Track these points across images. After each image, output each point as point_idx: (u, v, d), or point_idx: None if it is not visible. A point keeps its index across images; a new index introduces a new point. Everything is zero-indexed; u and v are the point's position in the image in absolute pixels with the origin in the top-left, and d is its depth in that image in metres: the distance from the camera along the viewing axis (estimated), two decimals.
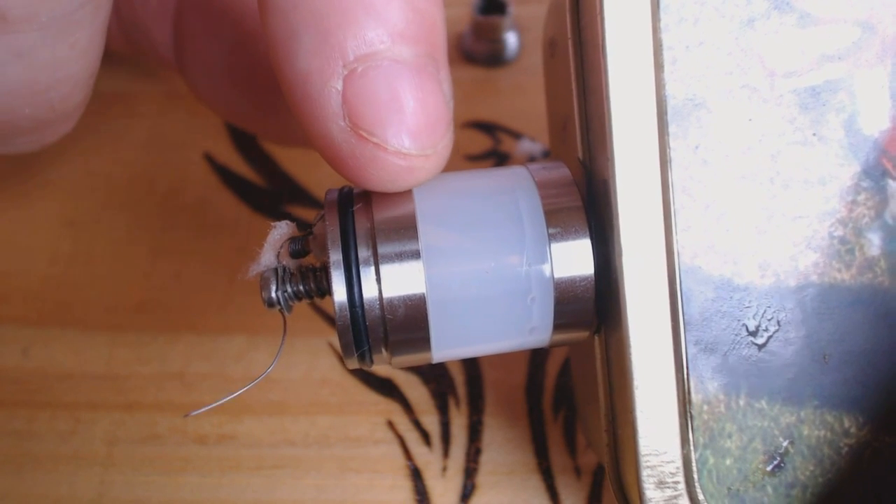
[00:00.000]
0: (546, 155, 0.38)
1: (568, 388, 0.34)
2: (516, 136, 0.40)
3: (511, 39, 0.41)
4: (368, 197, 0.23)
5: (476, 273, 0.23)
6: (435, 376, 0.35)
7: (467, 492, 0.32)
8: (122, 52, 0.38)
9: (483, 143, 0.40)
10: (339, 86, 0.21)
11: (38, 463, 0.33)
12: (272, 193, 0.39)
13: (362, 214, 0.23)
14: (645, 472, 0.22)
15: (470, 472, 0.33)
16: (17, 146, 0.30)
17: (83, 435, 0.34)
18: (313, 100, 0.22)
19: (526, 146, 0.39)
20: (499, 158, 0.39)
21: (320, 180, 0.39)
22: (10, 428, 0.34)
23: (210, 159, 0.40)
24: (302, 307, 0.24)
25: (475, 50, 0.41)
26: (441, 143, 0.22)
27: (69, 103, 0.27)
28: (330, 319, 0.36)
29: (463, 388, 0.34)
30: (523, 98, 0.41)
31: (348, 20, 0.21)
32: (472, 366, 0.35)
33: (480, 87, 0.41)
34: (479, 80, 0.42)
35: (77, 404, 0.34)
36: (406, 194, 0.23)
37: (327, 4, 0.21)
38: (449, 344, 0.23)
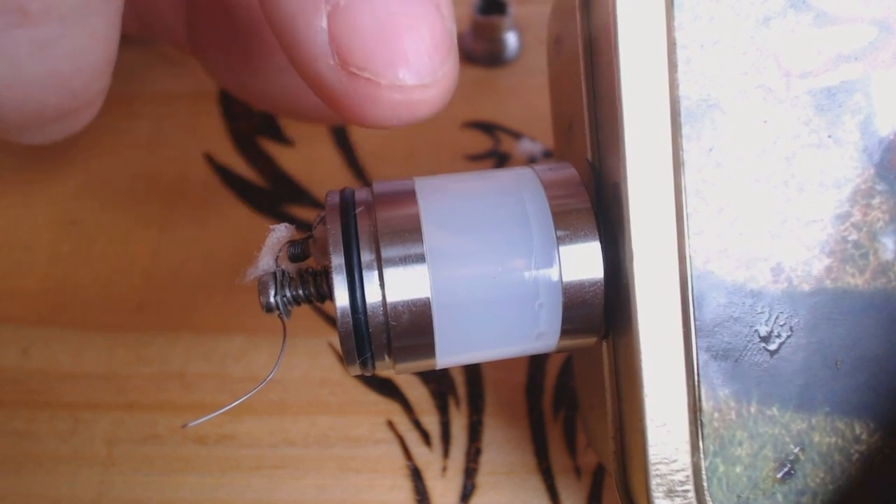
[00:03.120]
0: (546, 155, 0.38)
1: (568, 388, 0.33)
2: (516, 136, 0.39)
3: (511, 39, 0.40)
4: (371, 199, 0.22)
5: (483, 277, 0.21)
6: (435, 376, 0.34)
7: (467, 492, 0.31)
8: (135, 35, 0.37)
9: (483, 143, 0.39)
10: (324, 23, 0.20)
11: (38, 463, 0.32)
12: (272, 193, 0.38)
13: (364, 217, 0.22)
14: (654, 481, 0.21)
15: (470, 472, 0.32)
16: (45, 135, 0.29)
17: (83, 435, 0.33)
18: (301, 42, 0.20)
19: (526, 146, 0.38)
20: (499, 158, 0.38)
21: (320, 180, 0.38)
22: (10, 428, 0.33)
23: (210, 159, 0.39)
24: (302, 306, 0.23)
25: (475, 50, 0.41)
26: (441, 70, 0.21)
27: (91, 91, 0.27)
28: (330, 319, 0.35)
29: (463, 388, 0.34)
30: (523, 98, 0.40)
31: None
32: (472, 366, 0.34)
33: (480, 87, 0.40)
34: (479, 80, 0.41)
35: (77, 404, 0.34)
36: (410, 196, 0.22)
37: None
38: (454, 350, 0.22)
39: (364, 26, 0.20)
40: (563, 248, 0.21)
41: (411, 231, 0.21)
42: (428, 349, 0.22)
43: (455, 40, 0.21)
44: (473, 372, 0.34)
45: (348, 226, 0.22)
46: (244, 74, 0.35)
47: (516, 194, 0.22)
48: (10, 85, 0.24)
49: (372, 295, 0.21)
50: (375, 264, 0.21)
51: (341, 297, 0.21)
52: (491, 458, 0.32)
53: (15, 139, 0.30)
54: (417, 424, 0.33)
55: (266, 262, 0.23)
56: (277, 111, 0.38)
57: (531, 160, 0.37)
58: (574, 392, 0.33)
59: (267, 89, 0.34)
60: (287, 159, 0.39)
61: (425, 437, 0.32)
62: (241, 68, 0.35)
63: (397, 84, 0.20)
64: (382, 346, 0.22)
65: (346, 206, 0.22)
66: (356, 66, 0.20)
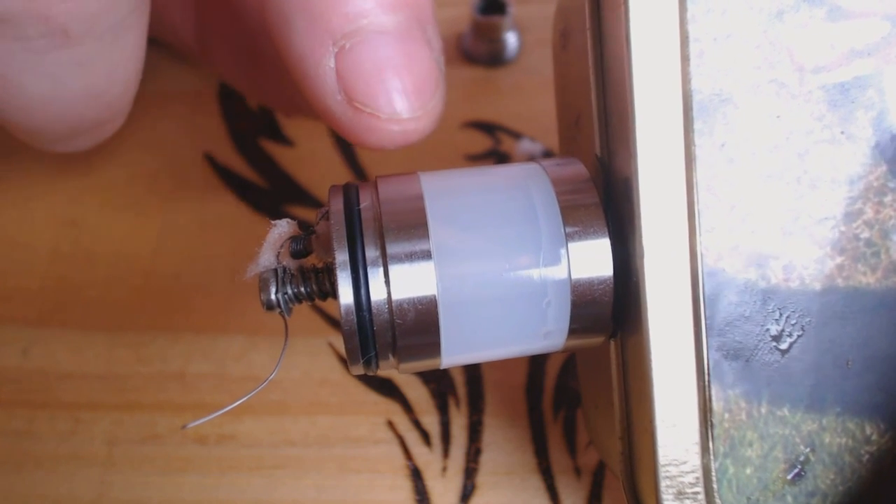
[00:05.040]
0: (546, 155, 0.37)
1: (568, 389, 0.33)
2: (516, 136, 0.38)
3: (511, 39, 0.40)
4: (375, 194, 0.21)
5: (490, 274, 0.21)
6: (435, 376, 0.33)
7: (467, 492, 0.31)
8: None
9: (483, 143, 0.38)
10: (332, 63, 0.22)
11: (38, 463, 0.32)
12: (272, 193, 0.37)
13: (369, 212, 0.21)
14: (664, 483, 0.20)
15: (470, 472, 0.31)
16: (77, 145, 0.31)
17: (83, 435, 0.32)
18: (311, 79, 0.23)
19: (526, 146, 0.37)
20: (499, 158, 0.38)
21: (320, 180, 0.38)
22: (10, 428, 0.33)
23: (210, 159, 0.38)
24: (301, 306, 0.22)
25: (475, 50, 0.40)
26: (430, 102, 0.23)
27: (123, 102, 0.29)
28: (330, 319, 0.35)
29: (463, 388, 0.33)
30: (523, 98, 0.39)
31: (333, 0, 0.22)
32: (472, 366, 0.33)
33: (480, 87, 0.40)
34: (479, 80, 0.40)
35: (77, 404, 0.33)
36: (415, 191, 0.21)
37: None
38: (460, 349, 0.21)
39: (366, 67, 0.22)
40: (571, 245, 0.21)
41: (417, 227, 0.20)
42: (433, 348, 0.21)
43: (443, 68, 0.24)
44: (473, 372, 0.33)
45: (352, 221, 0.21)
46: (252, 75, 0.35)
47: (524, 189, 0.21)
48: (52, 99, 0.26)
49: (377, 292, 0.20)
50: (380, 261, 0.20)
51: (345, 295, 0.20)
52: (491, 458, 0.31)
53: (49, 149, 0.32)
54: (417, 424, 0.32)
55: (267, 258, 0.22)
56: (285, 110, 0.38)
57: (531, 160, 0.37)
58: (574, 392, 0.33)
59: (275, 89, 0.35)
60: (287, 159, 0.38)
61: (425, 437, 0.32)
62: (250, 69, 0.35)
63: (395, 117, 0.22)
64: (387, 344, 0.21)
65: (350, 202, 0.21)
66: (360, 102, 0.22)
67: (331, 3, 0.22)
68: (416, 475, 0.31)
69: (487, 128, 0.38)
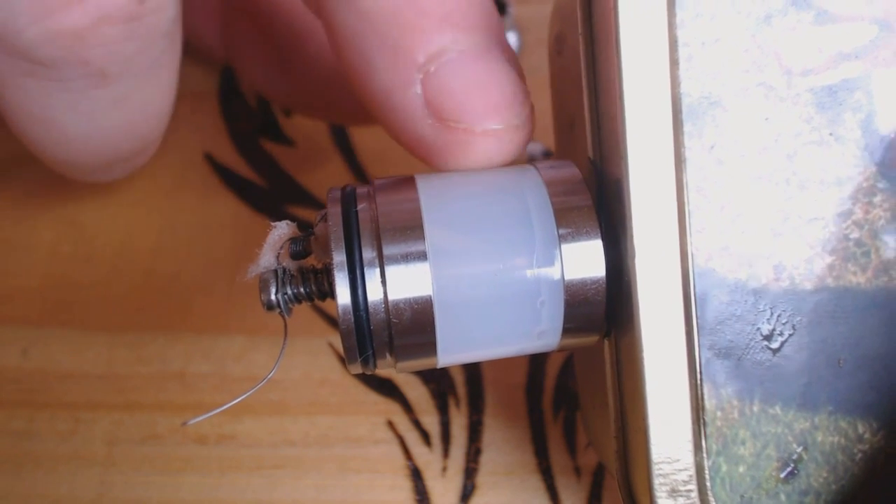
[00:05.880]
0: (546, 155, 0.37)
1: (568, 388, 0.33)
2: None
3: (511, 39, 0.40)
4: (372, 196, 0.22)
5: (484, 275, 0.21)
6: (435, 376, 0.34)
7: (467, 492, 0.31)
8: None
9: None
10: (419, 89, 0.22)
11: (38, 463, 0.32)
12: (272, 193, 0.38)
13: (366, 214, 0.21)
14: (657, 481, 0.21)
15: (470, 472, 0.32)
16: (113, 174, 0.32)
17: (83, 435, 0.33)
18: (399, 110, 0.23)
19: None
20: None
21: (320, 180, 0.38)
22: (10, 428, 0.33)
23: (210, 159, 0.39)
24: (301, 306, 0.23)
25: None
26: (524, 112, 0.23)
27: (157, 132, 0.30)
28: (330, 319, 0.35)
29: (463, 388, 0.33)
30: None
31: (411, 30, 0.22)
32: (472, 365, 0.34)
33: None
34: None
35: (77, 404, 0.33)
36: (411, 193, 0.22)
37: (388, 24, 0.22)
38: (455, 348, 0.22)
39: (455, 84, 0.22)
40: (564, 246, 0.21)
41: (413, 228, 0.21)
42: (429, 347, 0.22)
43: (525, 85, 0.24)
44: (473, 372, 0.33)
45: (350, 223, 0.21)
46: (280, 79, 0.36)
47: (518, 192, 0.22)
48: (89, 135, 0.27)
49: (373, 292, 0.21)
50: (377, 262, 0.21)
51: (343, 295, 0.21)
52: (491, 458, 0.32)
53: (87, 179, 0.33)
54: (417, 424, 0.33)
55: (267, 259, 0.22)
56: (313, 112, 0.38)
57: (531, 159, 0.37)
58: (574, 392, 0.33)
59: (308, 97, 0.36)
60: (287, 159, 0.39)
61: (425, 437, 0.32)
62: (278, 72, 0.35)
63: (490, 129, 0.22)
64: (384, 343, 0.21)
65: (348, 203, 0.22)
66: (452, 120, 0.22)
67: (410, 33, 0.22)
68: (416, 475, 0.31)
69: None
